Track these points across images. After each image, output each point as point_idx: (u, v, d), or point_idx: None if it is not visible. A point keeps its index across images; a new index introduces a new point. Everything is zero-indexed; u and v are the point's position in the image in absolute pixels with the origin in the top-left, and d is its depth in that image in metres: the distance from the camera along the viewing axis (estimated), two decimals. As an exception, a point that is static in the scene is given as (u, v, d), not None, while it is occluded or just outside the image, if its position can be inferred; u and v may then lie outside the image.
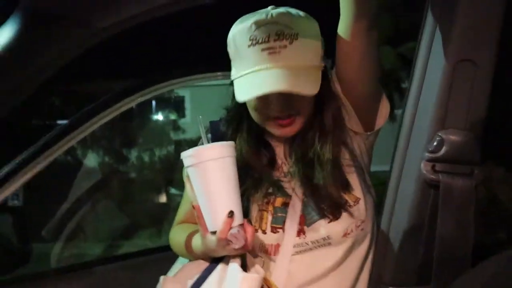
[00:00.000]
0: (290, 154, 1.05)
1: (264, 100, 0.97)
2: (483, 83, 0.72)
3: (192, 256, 1.03)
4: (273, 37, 0.94)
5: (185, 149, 1.04)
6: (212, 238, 0.92)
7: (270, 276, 0.99)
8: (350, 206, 0.96)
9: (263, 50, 0.94)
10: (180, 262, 1.18)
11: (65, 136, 1.41)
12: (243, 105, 1.03)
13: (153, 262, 1.47)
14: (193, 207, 0.92)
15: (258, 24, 0.95)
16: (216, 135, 1.08)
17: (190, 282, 1.02)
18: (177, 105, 9.17)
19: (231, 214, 0.89)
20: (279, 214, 1.00)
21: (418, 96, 0.77)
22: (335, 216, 0.96)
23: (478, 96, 0.73)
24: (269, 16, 0.96)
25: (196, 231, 1.03)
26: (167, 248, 1.41)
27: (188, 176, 1.01)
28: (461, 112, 0.73)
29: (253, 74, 0.95)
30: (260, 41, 0.95)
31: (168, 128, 8.01)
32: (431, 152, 0.73)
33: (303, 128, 1.03)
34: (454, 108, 0.73)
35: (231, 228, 0.88)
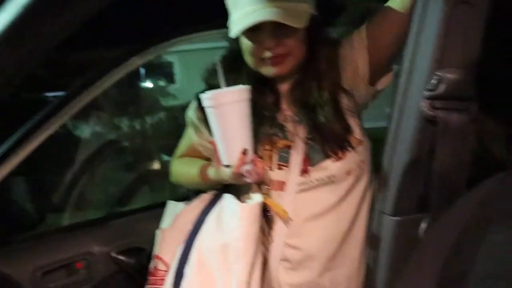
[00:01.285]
0: (293, 101, 1.13)
1: (256, 39, 1.05)
2: (477, 24, 0.77)
3: (206, 183, 1.17)
4: None
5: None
6: (225, 170, 1.03)
7: None
8: (353, 147, 1.04)
9: None
10: (169, 214, 1.27)
11: (63, 108, 1.44)
12: (238, 50, 1.11)
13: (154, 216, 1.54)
14: (210, 142, 1.04)
15: None
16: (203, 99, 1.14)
17: (189, 226, 1.12)
18: (167, 71, 9.07)
19: (245, 151, 1.00)
20: (283, 154, 1.09)
21: (418, 39, 0.82)
22: (340, 156, 1.06)
23: (472, 36, 0.78)
24: None
25: (208, 164, 1.17)
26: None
27: (191, 117, 1.20)
28: (457, 52, 0.78)
29: (246, 13, 1.03)
30: None
31: (158, 95, 7.96)
32: (430, 90, 0.79)
33: (299, 74, 1.12)
34: (451, 48, 0.78)
35: (244, 163, 0.99)
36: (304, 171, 1.07)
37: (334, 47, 1.13)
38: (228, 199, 1.09)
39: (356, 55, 1.10)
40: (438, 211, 0.82)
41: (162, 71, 8.81)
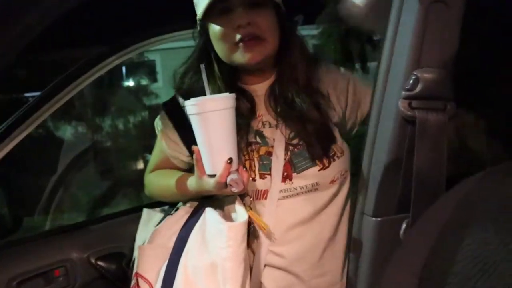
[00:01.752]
0: (271, 103, 1.10)
1: (227, 21, 1.02)
2: (454, 23, 0.77)
3: (184, 195, 1.11)
4: None
5: (157, 115, 1.08)
6: (209, 180, 0.98)
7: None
8: (338, 156, 1.05)
9: None
10: (144, 224, 1.23)
11: (40, 108, 1.41)
12: (207, 47, 1.08)
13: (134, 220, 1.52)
14: (193, 150, 0.98)
15: None
16: (173, 109, 1.15)
17: (171, 243, 1.07)
18: (149, 70, 9.00)
19: (230, 160, 0.95)
20: (265, 162, 1.06)
21: (394, 39, 0.82)
22: (325, 165, 1.05)
23: (449, 35, 0.78)
24: None
25: (186, 175, 1.11)
26: (153, 205, 1.45)
27: (163, 128, 1.15)
28: (434, 52, 0.78)
29: None
30: None
31: (140, 94, 7.89)
32: (408, 90, 0.79)
33: (274, 75, 1.11)
34: (428, 48, 0.78)
35: (229, 173, 0.95)
36: (287, 178, 1.06)
37: (305, 44, 1.11)
38: (211, 215, 1.03)
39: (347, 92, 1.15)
40: (417, 211, 0.82)
41: (143, 69, 8.74)
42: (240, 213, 1.02)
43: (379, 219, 0.87)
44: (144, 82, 8.72)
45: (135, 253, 1.16)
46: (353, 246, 0.96)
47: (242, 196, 1.05)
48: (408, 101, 0.79)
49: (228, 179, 0.95)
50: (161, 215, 1.21)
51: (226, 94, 0.97)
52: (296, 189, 1.05)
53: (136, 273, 1.10)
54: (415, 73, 0.78)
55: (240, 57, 1.04)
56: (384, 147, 0.84)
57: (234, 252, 0.96)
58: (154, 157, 1.22)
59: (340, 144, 1.09)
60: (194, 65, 1.10)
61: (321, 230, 1.06)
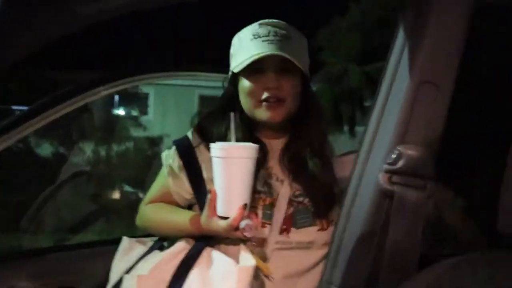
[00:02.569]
0: (284, 159, 1.19)
1: (258, 80, 1.13)
2: (442, 104, 0.78)
3: (195, 232, 1.13)
4: (272, 33, 1.13)
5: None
6: (219, 222, 1.04)
7: None
8: (336, 223, 1.06)
9: (263, 41, 1.12)
10: (123, 254, 1.20)
11: (23, 123, 1.39)
12: (233, 96, 1.18)
13: (101, 254, 1.46)
14: (210, 191, 1.05)
15: (261, 24, 1.15)
16: (184, 148, 1.21)
17: (168, 277, 1.07)
18: (141, 102, 9.03)
19: (245, 206, 1.01)
20: (267, 212, 1.14)
21: (382, 112, 0.82)
22: (324, 227, 1.13)
23: (436, 115, 0.78)
24: (270, 21, 1.16)
25: (198, 213, 1.14)
26: (118, 241, 1.40)
27: (171, 163, 1.21)
28: (420, 130, 0.78)
29: (253, 56, 1.11)
30: (261, 35, 1.13)
31: (130, 124, 7.87)
32: (389, 164, 0.78)
33: (291, 132, 1.20)
34: (414, 125, 0.78)
35: (242, 217, 1.01)
36: (285, 231, 1.13)
37: (323, 112, 1.25)
38: (219, 256, 1.07)
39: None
40: (387, 287, 0.79)
41: (136, 101, 8.78)
42: (246, 257, 1.06)
43: (346, 291, 0.84)
44: (135, 113, 8.74)
45: (111, 282, 1.16)
46: (317, 316, 0.92)
47: (244, 241, 1.09)
48: (389, 175, 0.78)
49: (243, 224, 1.01)
50: (144, 247, 1.22)
51: (252, 145, 1.03)
52: (291, 243, 1.12)
53: None
54: (398, 148, 0.78)
55: (263, 114, 1.14)
56: (359, 218, 0.83)
57: None
58: (154, 189, 1.27)
59: (339, 212, 1.11)
60: (220, 111, 1.20)
61: (315, 284, 1.04)
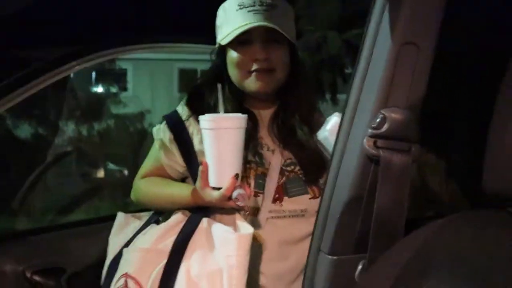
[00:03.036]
0: (273, 128, 1.21)
1: (245, 51, 1.13)
2: (424, 66, 0.77)
3: (178, 204, 1.17)
4: (258, 3, 1.12)
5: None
6: (211, 192, 1.07)
7: None
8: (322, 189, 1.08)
9: (249, 11, 1.11)
10: (119, 228, 1.21)
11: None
12: (221, 68, 1.18)
13: (88, 233, 1.45)
14: (201, 163, 1.07)
15: None
16: (174, 122, 1.22)
17: (166, 249, 1.09)
18: (119, 78, 8.87)
19: (237, 176, 1.03)
20: (260, 181, 1.16)
21: (364, 76, 0.81)
22: (316, 195, 1.16)
23: (418, 78, 0.77)
24: None
25: (182, 184, 1.20)
26: (104, 219, 1.39)
27: (162, 137, 1.22)
28: (403, 92, 0.77)
29: (240, 28, 1.11)
30: (247, 5, 1.12)
31: (110, 101, 7.74)
32: (374, 128, 0.77)
33: (280, 101, 1.21)
34: (397, 88, 0.77)
35: (234, 187, 1.03)
36: (278, 200, 1.15)
37: (311, 80, 1.30)
38: (217, 226, 1.09)
39: None
40: (375, 253, 0.80)
41: (114, 77, 8.61)
42: (244, 225, 1.08)
43: (335, 257, 0.85)
44: (114, 90, 8.58)
45: (109, 257, 1.19)
46: (307, 282, 0.93)
47: (237, 211, 1.12)
48: (374, 139, 0.78)
49: (235, 193, 1.03)
50: (140, 222, 1.24)
51: (240, 115, 1.05)
52: (285, 212, 1.15)
53: (126, 274, 1.10)
54: (382, 112, 0.77)
55: (252, 84, 1.15)
56: (345, 183, 0.82)
57: (241, 260, 1.03)
58: (147, 164, 1.29)
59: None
60: (208, 83, 1.20)
61: (302, 254, 1.06)
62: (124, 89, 9.10)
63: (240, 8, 1.13)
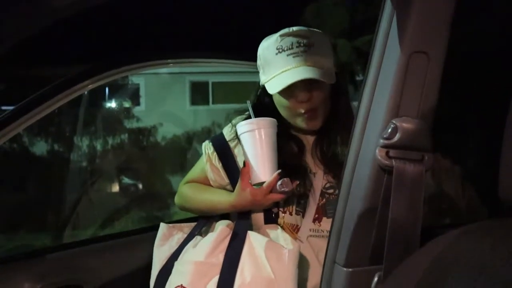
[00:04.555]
0: (317, 153, 1.27)
1: (290, 95, 1.20)
2: (435, 75, 0.76)
3: (219, 210, 1.27)
4: (295, 45, 1.17)
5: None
6: (255, 189, 1.15)
7: None
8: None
9: (288, 55, 1.17)
10: (163, 239, 1.27)
11: (11, 123, 1.36)
12: (269, 104, 1.27)
13: (105, 249, 1.45)
14: (244, 163, 1.18)
15: (283, 36, 1.20)
16: (219, 141, 1.32)
17: (218, 261, 1.14)
18: (132, 93, 8.95)
19: (278, 173, 1.14)
20: (301, 201, 1.23)
21: (374, 86, 0.80)
22: None
23: (429, 86, 0.77)
24: (291, 30, 1.20)
25: (224, 192, 1.28)
26: (124, 234, 1.40)
27: (209, 154, 1.32)
28: (414, 101, 0.77)
29: (282, 74, 1.17)
30: (285, 49, 1.18)
31: (122, 116, 7.81)
32: (386, 139, 0.77)
33: (323, 127, 1.26)
34: (408, 97, 0.76)
35: (277, 180, 1.13)
36: (317, 220, 1.22)
37: (350, 106, 1.29)
38: (266, 241, 1.14)
39: None
40: (390, 264, 0.79)
41: (127, 92, 8.69)
42: (287, 239, 1.16)
43: (350, 269, 0.84)
44: (126, 104, 8.65)
45: (156, 267, 1.23)
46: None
47: (279, 226, 1.20)
48: (386, 149, 0.77)
49: (279, 181, 1.14)
50: (183, 234, 1.30)
51: (271, 119, 1.18)
52: (323, 231, 1.22)
53: (181, 285, 1.15)
54: (393, 121, 0.76)
55: (302, 124, 1.25)
56: (359, 194, 0.82)
57: (293, 273, 1.10)
58: (193, 172, 1.38)
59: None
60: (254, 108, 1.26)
61: None
62: (137, 103, 9.19)
63: (279, 52, 1.19)
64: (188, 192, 1.36)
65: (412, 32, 0.74)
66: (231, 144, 1.31)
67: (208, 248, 1.17)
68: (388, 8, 0.77)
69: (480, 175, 1.37)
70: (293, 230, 1.22)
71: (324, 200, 1.24)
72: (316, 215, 1.23)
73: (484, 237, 0.63)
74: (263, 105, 1.30)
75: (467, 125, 1.36)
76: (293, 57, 1.18)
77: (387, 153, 0.77)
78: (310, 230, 1.22)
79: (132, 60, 1.61)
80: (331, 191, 1.25)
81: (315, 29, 1.24)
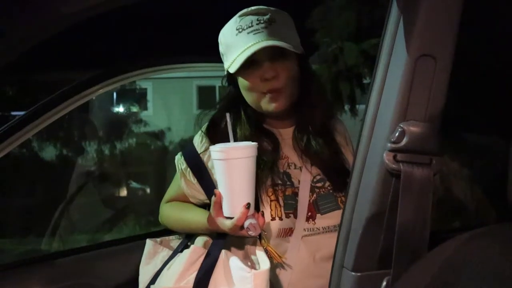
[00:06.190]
0: (296, 145, 1.20)
1: (254, 74, 1.13)
2: (442, 78, 0.76)
3: (199, 230, 1.19)
4: (255, 22, 1.11)
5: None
6: (224, 222, 1.07)
7: (285, 254, 1.13)
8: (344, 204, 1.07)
9: (248, 33, 1.10)
10: (149, 257, 1.25)
11: (21, 128, 1.37)
12: (236, 94, 1.20)
13: (114, 253, 1.46)
14: (215, 193, 1.07)
15: (242, 16, 1.13)
16: (190, 155, 1.24)
17: (189, 284, 1.09)
18: (139, 97, 8.99)
19: (248, 205, 1.02)
20: (289, 202, 1.15)
21: (381, 89, 0.80)
22: None
23: (437, 90, 0.76)
24: (249, 9, 1.14)
25: (203, 212, 1.19)
26: (129, 239, 1.40)
27: (183, 169, 1.23)
28: (421, 105, 0.76)
29: (244, 52, 1.10)
30: (245, 27, 1.11)
31: (130, 121, 7.85)
32: (393, 142, 0.76)
33: (296, 117, 1.21)
34: (415, 101, 0.76)
35: (247, 217, 1.02)
36: (310, 218, 1.15)
37: (322, 88, 1.26)
38: (234, 262, 1.08)
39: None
40: (399, 268, 0.78)
41: (135, 97, 8.73)
42: (262, 258, 1.07)
43: (358, 274, 0.83)
44: (134, 109, 8.70)
45: (141, 286, 1.20)
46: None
47: (260, 240, 1.11)
48: (393, 153, 0.77)
49: (247, 223, 1.03)
50: (168, 251, 1.26)
51: (249, 143, 1.04)
52: (318, 229, 1.15)
53: None
54: (401, 125, 0.76)
55: (267, 105, 1.16)
56: (367, 199, 0.81)
57: None
58: (171, 190, 1.31)
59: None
60: (224, 111, 1.17)
61: None
62: (145, 108, 9.23)
63: (239, 32, 1.12)
64: (169, 213, 1.30)
65: (419, 35, 0.74)
66: (204, 157, 1.22)
67: (178, 271, 1.12)
68: (394, 11, 0.77)
69: (489, 178, 1.36)
70: (287, 234, 1.14)
71: (314, 195, 1.16)
72: (309, 213, 1.15)
73: (493, 242, 0.63)
74: (228, 96, 1.23)
75: (475, 129, 1.35)
76: (254, 34, 1.10)
77: (394, 157, 0.77)
78: (304, 230, 1.14)
79: (139, 65, 1.62)
80: (320, 184, 1.18)
81: (275, 8, 1.17)
